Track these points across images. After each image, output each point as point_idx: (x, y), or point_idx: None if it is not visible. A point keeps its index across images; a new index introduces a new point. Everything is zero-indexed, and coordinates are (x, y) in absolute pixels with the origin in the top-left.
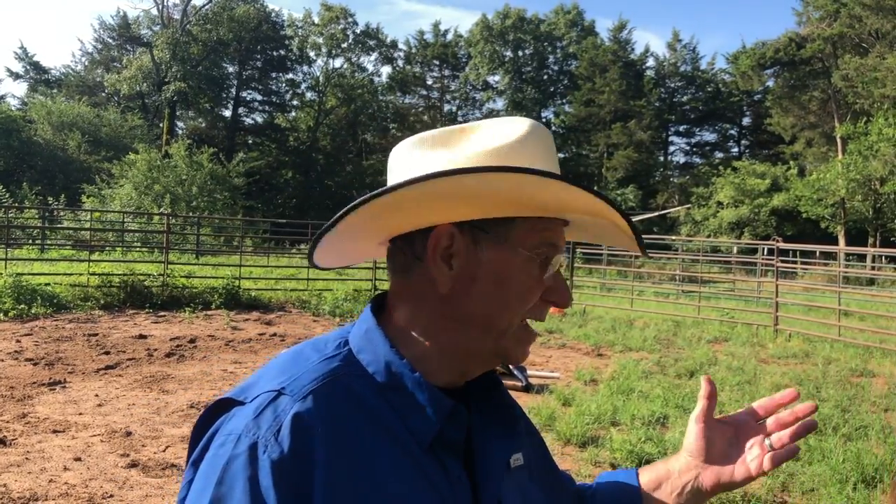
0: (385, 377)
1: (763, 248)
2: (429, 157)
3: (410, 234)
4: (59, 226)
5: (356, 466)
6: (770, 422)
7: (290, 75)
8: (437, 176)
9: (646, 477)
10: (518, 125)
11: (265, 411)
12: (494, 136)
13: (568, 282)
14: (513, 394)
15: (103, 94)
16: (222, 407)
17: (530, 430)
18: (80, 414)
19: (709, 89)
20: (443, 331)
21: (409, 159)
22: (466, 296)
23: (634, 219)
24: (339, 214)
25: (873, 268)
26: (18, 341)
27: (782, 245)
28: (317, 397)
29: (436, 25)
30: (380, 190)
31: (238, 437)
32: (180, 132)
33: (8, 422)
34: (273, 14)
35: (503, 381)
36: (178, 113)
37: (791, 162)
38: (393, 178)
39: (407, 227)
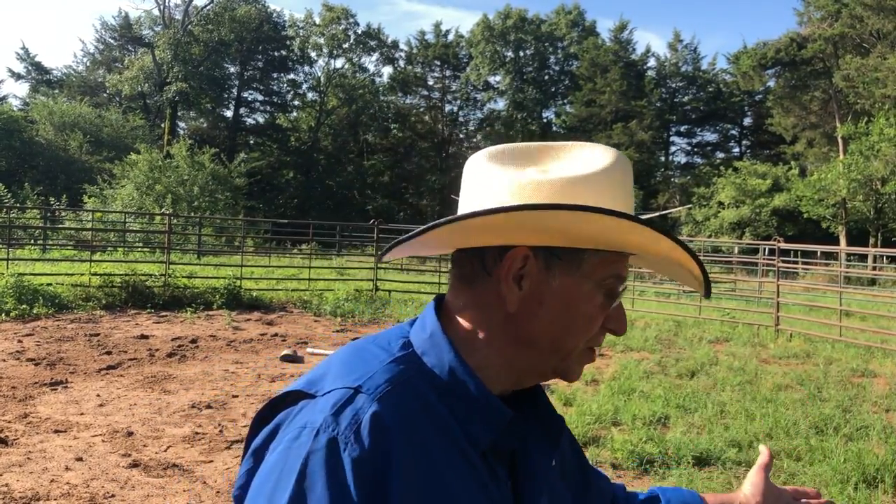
0: (448, 382)
1: (764, 249)
2: (511, 175)
3: (481, 248)
4: (60, 226)
5: (427, 470)
6: None
7: (292, 76)
8: (536, 208)
9: (710, 499)
10: (605, 155)
11: (344, 408)
12: (583, 163)
13: None
14: None
15: (105, 95)
16: (289, 399)
17: (564, 430)
18: (82, 414)
19: (710, 89)
20: (507, 345)
21: (490, 174)
22: (532, 317)
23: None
24: (421, 229)
25: (874, 268)
26: (20, 341)
27: (783, 245)
28: (393, 398)
29: (437, 26)
30: (471, 212)
31: (316, 430)
32: (182, 132)
33: (10, 422)
34: (274, 14)
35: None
36: (179, 113)
37: (792, 162)
38: (471, 191)
39: (483, 243)
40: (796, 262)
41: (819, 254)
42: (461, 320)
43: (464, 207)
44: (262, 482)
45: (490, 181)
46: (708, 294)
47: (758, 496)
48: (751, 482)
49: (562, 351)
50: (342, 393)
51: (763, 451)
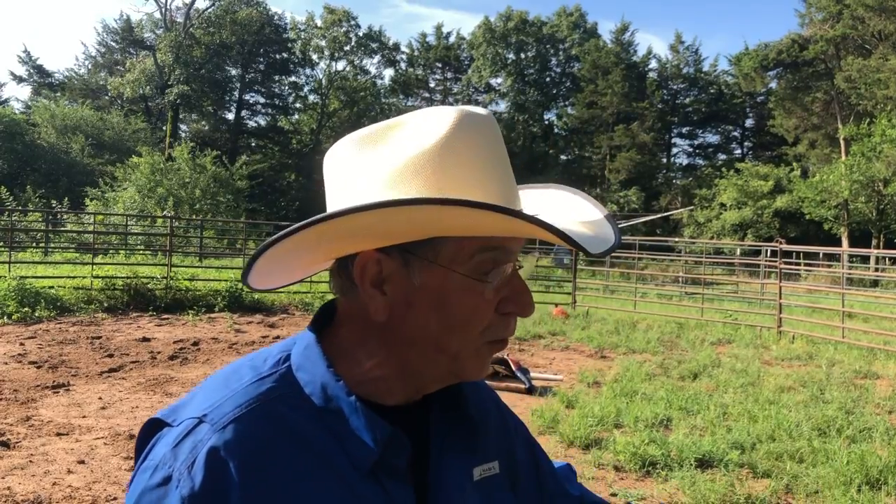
0: (321, 400)
1: (766, 250)
2: (354, 166)
3: (343, 258)
4: (62, 229)
5: (281, 498)
6: None
7: (293, 78)
8: (354, 211)
9: None
10: (441, 122)
11: (184, 441)
12: (416, 138)
13: (571, 284)
14: (516, 396)
15: (106, 98)
16: (154, 428)
17: (521, 432)
18: (84, 417)
19: (711, 91)
20: (390, 354)
21: (339, 167)
22: (405, 321)
23: (637, 221)
24: (253, 255)
25: (877, 269)
26: (22, 344)
27: (785, 247)
28: (238, 426)
29: (438, 28)
30: (286, 231)
31: (155, 467)
32: (183, 135)
33: (12, 425)
34: (276, 17)
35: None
36: (181, 116)
37: (794, 163)
38: (329, 187)
39: (339, 252)
40: (798, 264)
41: (821, 255)
42: (345, 331)
43: (329, 208)
44: None
45: (339, 176)
46: (585, 251)
47: None
48: None
49: (448, 352)
50: (187, 424)
51: None
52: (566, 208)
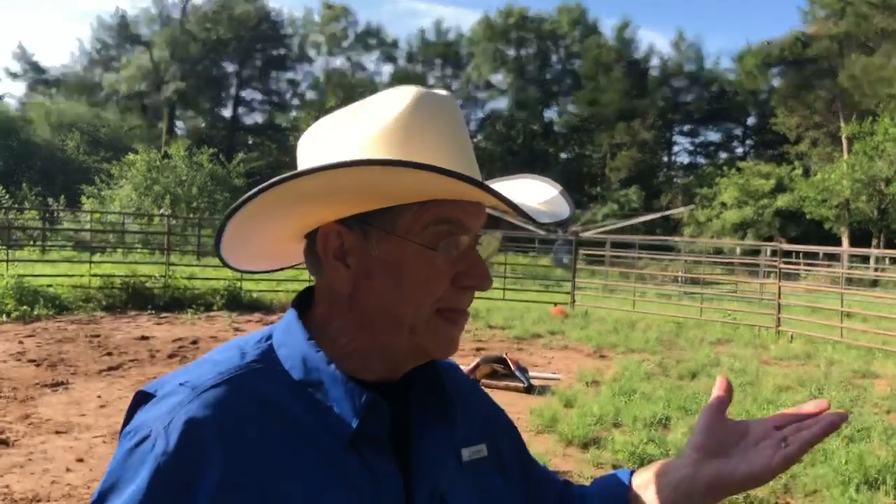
0: (301, 372)
1: (766, 250)
2: (321, 142)
3: (312, 234)
4: (59, 227)
5: (257, 468)
6: (790, 428)
7: (291, 74)
8: (300, 175)
9: (640, 477)
10: (403, 98)
11: (162, 405)
12: (374, 116)
13: (570, 283)
14: (515, 395)
15: (102, 94)
16: (139, 400)
17: (505, 424)
18: (83, 415)
19: (713, 89)
20: (359, 329)
21: (308, 145)
22: (367, 293)
23: (637, 220)
24: (220, 222)
25: (877, 269)
26: (21, 342)
27: (785, 246)
28: (217, 393)
29: (438, 24)
30: (246, 196)
31: (136, 430)
32: (180, 132)
33: (11, 423)
34: (273, 13)
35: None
36: (177, 113)
37: (796, 162)
38: (298, 163)
39: (303, 228)
40: (798, 264)
41: (821, 255)
42: (319, 310)
43: None
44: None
45: (300, 155)
46: (528, 218)
47: (701, 445)
48: (695, 430)
49: (404, 323)
50: (168, 390)
51: (717, 383)
52: (530, 192)
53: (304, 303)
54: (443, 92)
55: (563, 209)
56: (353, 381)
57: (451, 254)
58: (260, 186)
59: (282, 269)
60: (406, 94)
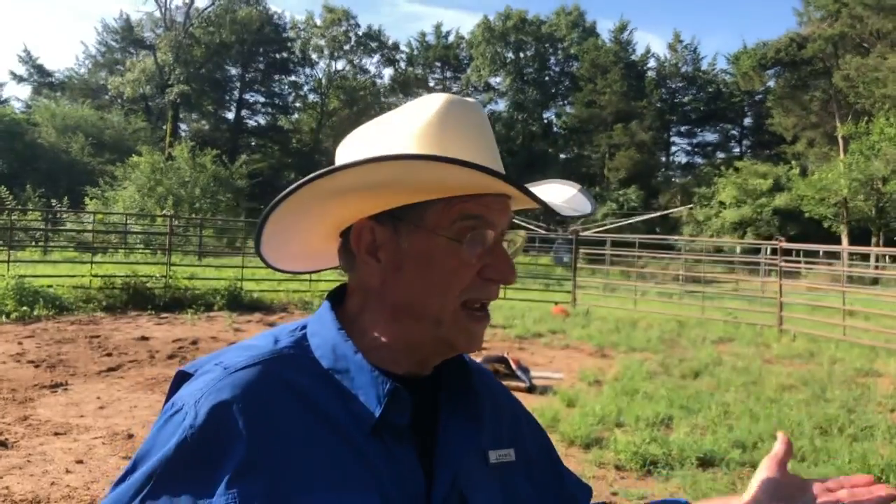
0: (330, 360)
1: (766, 248)
2: (356, 147)
3: (346, 232)
4: (62, 228)
5: (279, 450)
6: (843, 492)
7: (293, 77)
8: (330, 172)
9: None
10: (435, 102)
11: (198, 382)
12: (406, 120)
13: (571, 282)
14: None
15: (107, 97)
16: (180, 380)
17: (534, 429)
18: (82, 416)
19: (710, 90)
20: (387, 323)
21: (345, 149)
22: (396, 286)
23: (636, 219)
24: (260, 220)
25: (877, 267)
26: (20, 343)
27: (785, 245)
28: (249, 374)
29: (437, 27)
30: (285, 192)
31: (173, 405)
32: (183, 134)
33: (10, 424)
34: (275, 16)
35: (507, 383)
36: (181, 115)
37: (793, 162)
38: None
39: (339, 225)
40: (798, 262)
41: (821, 253)
42: (351, 304)
43: None
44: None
45: (339, 158)
46: (548, 208)
47: (766, 488)
48: (758, 474)
49: (430, 313)
50: (204, 371)
51: (780, 440)
52: (552, 193)
53: (337, 297)
54: (470, 99)
55: (586, 205)
56: (379, 371)
57: (477, 247)
58: (301, 180)
59: (320, 270)
60: (437, 99)
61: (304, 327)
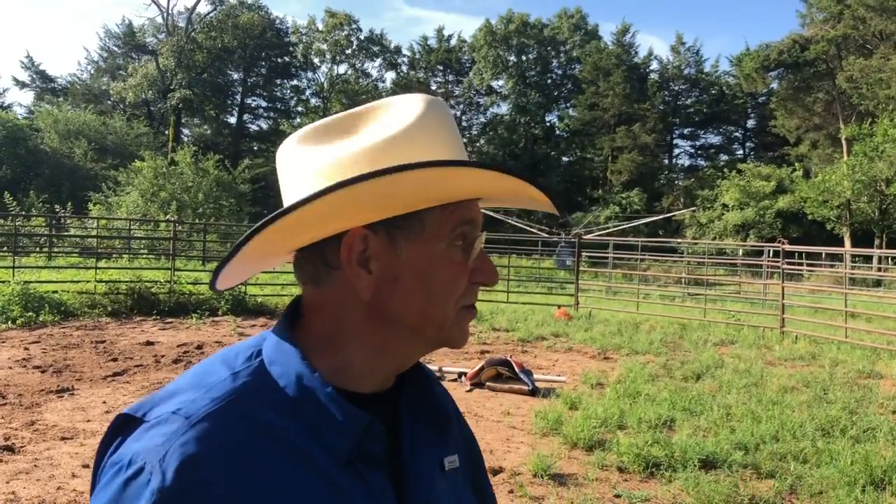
0: (296, 391)
1: (769, 251)
2: (324, 153)
3: (318, 243)
4: (66, 233)
5: (257, 494)
6: None
7: (295, 82)
8: (341, 186)
9: None
10: (413, 105)
11: (155, 435)
12: (394, 120)
13: (573, 285)
14: (519, 398)
15: (109, 102)
16: (122, 424)
17: (466, 433)
18: (89, 421)
19: (713, 92)
20: (375, 334)
21: (298, 160)
22: (391, 297)
23: (639, 222)
24: (232, 248)
25: (880, 269)
26: (26, 349)
27: (788, 247)
28: (213, 421)
29: (439, 31)
30: (275, 213)
31: (128, 462)
32: (186, 139)
33: (16, 429)
34: (277, 21)
35: (510, 385)
36: (183, 120)
37: (796, 164)
38: (285, 184)
39: (317, 237)
40: (801, 264)
41: (824, 255)
42: (316, 321)
43: (286, 202)
44: None
45: (299, 168)
46: (560, 210)
47: None
48: None
49: (433, 321)
50: (159, 419)
51: None
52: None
53: (294, 314)
54: (436, 97)
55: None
56: (350, 401)
57: (473, 252)
58: (259, 223)
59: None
60: (419, 101)
61: (258, 353)
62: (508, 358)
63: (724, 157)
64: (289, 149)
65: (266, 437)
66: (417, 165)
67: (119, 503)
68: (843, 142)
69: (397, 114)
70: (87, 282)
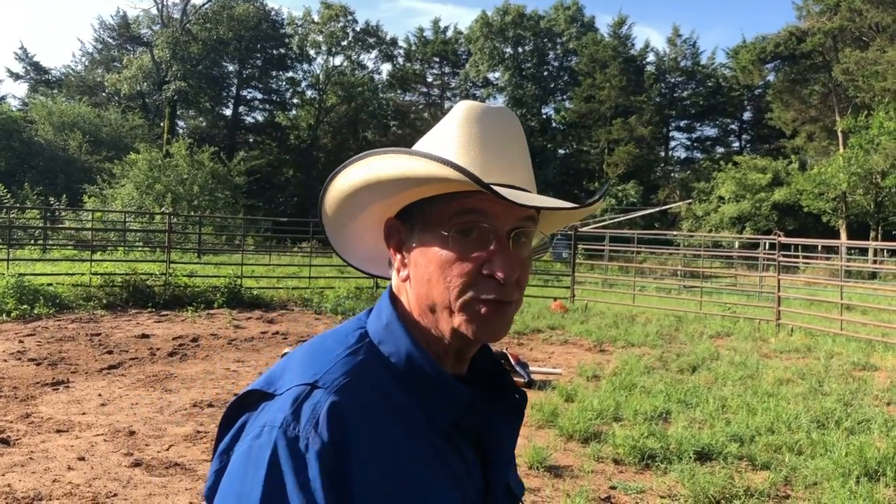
0: (406, 368)
1: (764, 243)
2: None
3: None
4: (60, 226)
5: (386, 455)
6: None
7: (291, 73)
8: (338, 173)
9: None
10: (455, 113)
11: (302, 404)
12: (451, 117)
13: (569, 278)
14: None
15: (104, 94)
16: (249, 398)
17: None
18: (84, 413)
19: (709, 84)
20: (420, 317)
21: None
22: (417, 282)
23: (635, 215)
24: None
25: (875, 261)
26: (21, 341)
27: (784, 239)
28: (349, 390)
29: (436, 22)
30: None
31: (277, 428)
32: (181, 131)
33: (12, 422)
34: (273, 12)
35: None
36: (178, 112)
37: (792, 156)
38: None
39: (377, 222)
40: (797, 257)
41: (819, 248)
42: (402, 303)
43: None
44: (230, 482)
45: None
46: (586, 203)
47: None
48: None
49: (438, 306)
50: (300, 390)
51: None
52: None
53: (391, 297)
54: (496, 105)
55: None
56: (456, 380)
57: (465, 241)
58: (342, 166)
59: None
60: (458, 108)
61: (366, 334)
62: (504, 350)
63: (720, 150)
64: None
65: (387, 404)
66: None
67: (285, 467)
68: (839, 134)
69: (453, 115)
70: (82, 274)
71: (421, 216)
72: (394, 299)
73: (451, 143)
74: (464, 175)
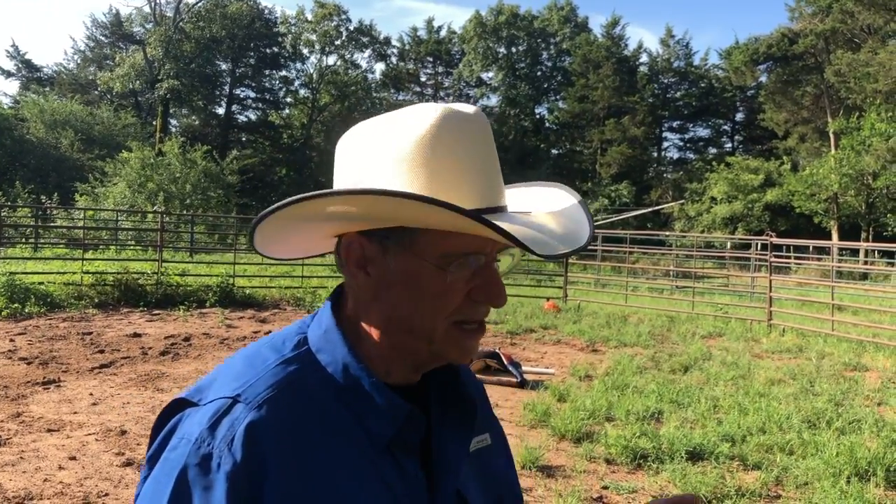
0: (343, 379)
1: (757, 244)
2: (353, 154)
3: (341, 237)
4: (52, 224)
5: (310, 472)
6: None
7: (284, 72)
8: (307, 199)
9: None
10: (427, 118)
11: (220, 420)
12: (397, 138)
13: (562, 278)
14: (508, 390)
15: (96, 92)
16: (177, 406)
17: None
18: (75, 413)
19: (702, 85)
20: (382, 333)
21: (342, 154)
22: (386, 301)
23: (628, 215)
24: (280, 204)
25: (866, 262)
26: (12, 340)
27: (776, 240)
28: (271, 406)
29: (429, 22)
30: (278, 204)
31: (192, 443)
32: (174, 130)
33: (2, 421)
34: (266, 11)
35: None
36: (171, 111)
37: (784, 157)
38: (335, 172)
39: (331, 233)
40: (789, 257)
41: (811, 248)
42: (350, 311)
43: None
44: (145, 492)
45: (337, 164)
46: (529, 251)
47: None
48: None
49: (420, 333)
50: (220, 403)
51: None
52: (546, 200)
53: (335, 298)
54: (469, 109)
55: (583, 226)
56: (394, 392)
57: (463, 273)
58: (278, 204)
59: (310, 256)
60: (434, 112)
61: (304, 341)
62: (497, 350)
63: (712, 150)
64: (342, 142)
65: (318, 419)
66: (395, 194)
67: (193, 485)
68: (831, 135)
69: (406, 130)
70: (74, 273)
71: (400, 240)
72: (335, 304)
73: (446, 173)
74: (487, 227)
